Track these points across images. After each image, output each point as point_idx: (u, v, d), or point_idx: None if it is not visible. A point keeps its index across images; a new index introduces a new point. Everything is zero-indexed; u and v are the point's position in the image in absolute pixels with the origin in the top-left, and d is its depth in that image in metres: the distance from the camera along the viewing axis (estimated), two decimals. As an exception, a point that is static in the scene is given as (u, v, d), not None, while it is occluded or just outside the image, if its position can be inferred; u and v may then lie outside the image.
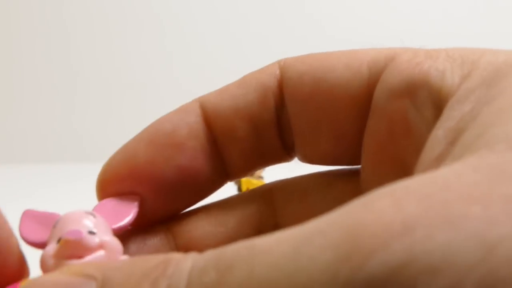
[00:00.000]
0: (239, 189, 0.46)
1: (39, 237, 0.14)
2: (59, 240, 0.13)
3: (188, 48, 1.31)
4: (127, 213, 0.15)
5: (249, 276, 0.10)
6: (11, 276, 0.15)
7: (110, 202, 0.16)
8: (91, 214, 0.14)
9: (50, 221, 0.15)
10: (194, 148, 0.17)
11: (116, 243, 0.14)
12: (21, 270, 0.15)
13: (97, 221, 0.14)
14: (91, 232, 0.13)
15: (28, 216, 0.15)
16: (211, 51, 1.31)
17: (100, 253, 0.13)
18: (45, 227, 0.15)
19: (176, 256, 0.11)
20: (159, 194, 0.16)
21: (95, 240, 0.13)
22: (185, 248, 0.17)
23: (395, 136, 0.15)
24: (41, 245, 0.14)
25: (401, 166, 0.15)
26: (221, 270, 0.10)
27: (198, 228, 0.18)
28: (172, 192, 0.17)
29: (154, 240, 0.17)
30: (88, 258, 0.13)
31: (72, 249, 0.13)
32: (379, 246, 0.09)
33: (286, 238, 0.10)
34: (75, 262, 0.13)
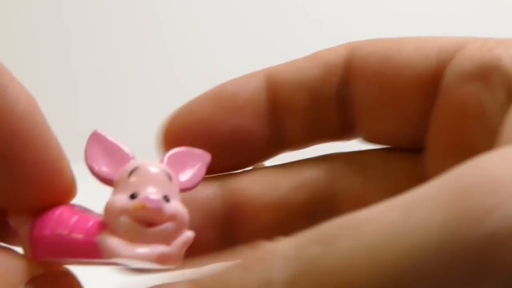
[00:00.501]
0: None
1: (107, 172, 0.14)
2: (132, 195, 0.13)
3: (189, 48, 1.31)
4: (198, 171, 0.15)
5: (357, 244, 0.10)
6: (59, 196, 0.15)
7: (180, 154, 0.15)
8: (169, 175, 0.14)
9: (120, 155, 0.14)
10: (253, 112, 0.17)
11: (185, 214, 0.14)
12: (70, 191, 0.15)
13: (172, 185, 0.14)
14: (166, 198, 0.13)
15: (96, 140, 0.14)
16: (212, 51, 1.30)
17: (169, 225, 0.13)
18: (113, 160, 0.14)
19: (266, 247, 0.11)
20: (216, 151, 0.16)
21: (169, 210, 0.13)
22: (234, 206, 0.17)
23: (466, 118, 0.15)
24: (107, 181, 0.14)
25: (470, 147, 0.15)
26: (325, 242, 0.10)
27: (252, 187, 0.18)
28: (228, 151, 0.17)
29: (205, 193, 0.17)
30: (159, 228, 0.13)
31: (146, 214, 0.13)
32: (497, 202, 0.09)
33: (391, 207, 0.10)
34: (148, 231, 0.13)
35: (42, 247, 0.14)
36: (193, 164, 0.15)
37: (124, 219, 0.13)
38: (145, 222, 0.13)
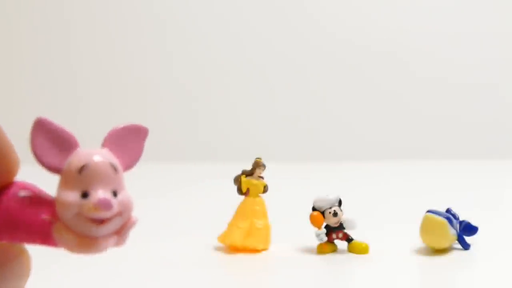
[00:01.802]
0: (239, 189, 0.46)
1: (55, 161, 0.14)
2: (84, 194, 0.14)
3: (189, 49, 1.31)
4: (138, 148, 0.16)
5: None
6: (7, 175, 0.15)
7: (119, 132, 0.16)
8: (114, 167, 0.15)
9: (67, 143, 0.15)
10: None
11: (131, 204, 0.15)
12: (16, 170, 0.15)
13: (118, 175, 0.15)
14: (114, 193, 0.14)
15: (42, 127, 0.14)
16: (212, 51, 1.31)
17: (118, 219, 0.14)
18: (60, 148, 0.14)
19: None
20: None
21: (117, 207, 0.14)
22: None
23: None
24: (55, 170, 0.15)
25: None
26: None
27: None
28: None
29: None
30: (109, 225, 0.14)
31: (98, 215, 0.14)
32: None
33: None
34: (100, 229, 0.14)
35: None
36: (132, 140, 0.16)
37: (78, 219, 0.14)
38: (96, 220, 0.14)
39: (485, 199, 0.74)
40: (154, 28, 1.31)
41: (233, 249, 0.45)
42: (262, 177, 0.46)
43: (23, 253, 0.16)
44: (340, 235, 0.45)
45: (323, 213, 0.44)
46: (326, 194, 0.45)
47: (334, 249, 0.45)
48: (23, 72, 1.30)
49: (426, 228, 0.44)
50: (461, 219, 0.47)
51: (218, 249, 0.46)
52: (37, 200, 0.15)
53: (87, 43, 1.31)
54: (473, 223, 0.47)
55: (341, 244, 0.45)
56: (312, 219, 0.44)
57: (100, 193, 0.14)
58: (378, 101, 1.30)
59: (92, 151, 0.15)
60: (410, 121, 1.30)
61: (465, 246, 0.45)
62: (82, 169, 0.14)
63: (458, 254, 0.44)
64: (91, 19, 1.31)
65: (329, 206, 0.44)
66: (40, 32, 1.30)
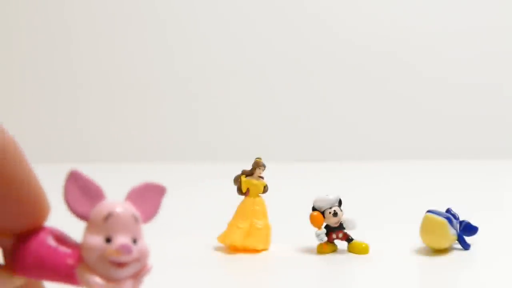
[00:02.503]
0: (239, 189, 0.46)
1: (84, 210, 0.17)
2: (107, 240, 0.16)
3: (189, 49, 1.31)
4: (156, 204, 0.19)
5: None
6: (38, 220, 0.17)
7: (140, 189, 0.18)
8: (135, 218, 0.17)
9: (94, 194, 0.17)
10: None
11: (148, 252, 0.17)
12: (46, 215, 0.17)
13: (138, 225, 0.17)
14: (134, 240, 0.17)
15: (74, 179, 0.17)
16: (212, 51, 1.31)
17: (136, 265, 0.17)
18: (89, 199, 0.17)
19: None
20: None
21: (136, 253, 0.16)
22: None
23: None
24: (83, 218, 0.17)
25: None
26: None
27: None
28: None
29: None
30: (128, 269, 0.16)
31: (119, 259, 0.16)
32: None
33: None
34: (120, 272, 0.16)
35: (25, 268, 0.17)
36: (151, 197, 0.18)
37: (100, 261, 0.16)
38: (117, 264, 0.16)
39: (485, 199, 0.74)
40: (155, 28, 1.31)
41: (233, 249, 0.45)
42: (262, 177, 0.46)
43: None
44: (340, 235, 0.45)
45: (323, 213, 0.44)
46: (326, 194, 0.45)
47: (334, 249, 0.45)
48: (24, 72, 1.30)
49: (426, 228, 0.44)
50: (461, 219, 0.47)
51: (218, 249, 0.46)
52: (63, 244, 0.17)
53: (88, 43, 1.31)
54: (473, 223, 0.47)
55: (341, 244, 0.45)
56: (312, 219, 0.44)
57: (122, 239, 0.16)
58: (378, 101, 1.30)
59: (117, 202, 0.17)
60: (410, 121, 1.30)
61: (465, 246, 0.45)
62: (107, 217, 0.17)
63: (458, 254, 0.44)
64: (92, 20, 1.31)
65: (329, 206, 0.44)
66: (41, 33, 1.30)
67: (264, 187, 0.46)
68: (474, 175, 1.00)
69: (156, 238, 0.51)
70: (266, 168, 0.46)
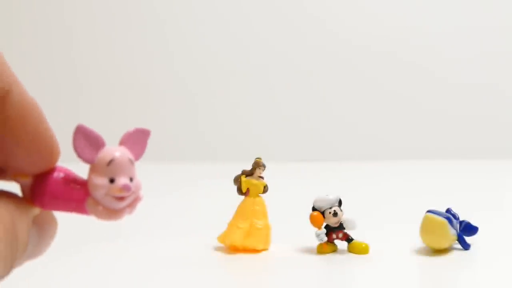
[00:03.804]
0: (239, 189, 0.46)
1: (89, 156, 0.21)
2: (111, 180, 0.21)
3: (189, 49, 1.31)
4: (143, 146, 0.23)
5: None
6: (51, 160, 0.21)
7: (132, 134, 0.23)
8: (131, 161, 0.22)
9: (98, 143, 0.21)
10: None
11: (140, 185, 0.22)
12: (57, 156, 0.22)
13: (133, 166, 0.22)
14: (131, 179, 0.21)
15: (80, 132, 0.21)
16: (212, 51, 1.31)
17: (132, 196, 0.21)
18: (93, 147, 0.21)
19: None
20: None
21: (133, 188, 0.21)
22: None
23: None
24: (89, 162, 0.21)
25: None
26: None
27: None
28: None
29: None
30: (127, 201, 0.21)
31: (121, 194, 0.21)
32: None
33: None
34: (121, 203, 0.21)
35: (44, 201, 0.21)
36: (139, 139, 0.23)
37: (106, 196, 0.21)
38: (119, 198, 0.21)
39: (485, 199, 0.74)
40: (155, 29, 1.32)
41: (233, 249, 0.45)
42: (262, 177, 0.46)
43: (55, 220, 0.22)
44: (340, 235, 0.45)
45: (323, 213, 0.44)
46: (326, 194, 0.45)
47: (334, 249, 0.45)
48: (24, 72, 1.30)
49: (426, 228, 0.44)
50: (461, 219, 0.47)
51: (218, 249, 0.46)
52: (73, 180, 0.22)
53: (88, 44, 1.31)
54: (473, 223, 0.47)
55: (341, 244, 0.45)
56: (312, 219, 0.44)
57: (123, 180, 0.21)
58: (378, 101, 1.30)
59: (116, 149, 0.22)
60: (410, 121, 1.30)
61: (465, 246, 0.45)
62: (110, 162, 0.21)
63: (458, 254, 0.44)
64: (93, 20, 1.32)
65: (329, 206, 0.44)
66: (42, 33, 1.30)
67: (264, 187, 0.46)
68: (474, 175, 1.00)
69: (156, 238, 0.51)
70: (266, 168, 0.46)
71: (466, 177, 0.98)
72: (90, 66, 1.31)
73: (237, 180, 0.46)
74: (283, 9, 1.31)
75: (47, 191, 0.21)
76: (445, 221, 0.43)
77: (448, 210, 0.46)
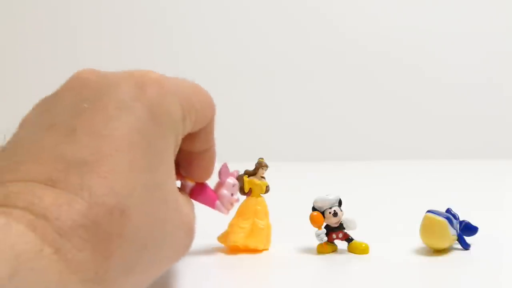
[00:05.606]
0: (242, 189, 0.46)
1: (224, 179, 0.41)
2: (231, 194, 0.41)
3: (190, 49, 1.31)
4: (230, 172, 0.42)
5: None
6: (205, 179, 0.38)
7: (225, 166, 0.42)
8: (236, 183, 0.42)
9: (228, 173, 0.42)
10: None
11: (237, 187, 0.43)
12: (209, 178, 0.38)
13: (235, 183, 0.42)
14: (234, 185, 0.42)
15: (225, 166, 0.42)
16: (213, 51, 1.31)
17: (235, 196, 0.42)
18: (226, 175, 0.42)
19: None
20: None
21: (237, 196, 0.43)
22: None
23: None
24: (222, 181, 0.42)
25: None
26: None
27: None
28: None
29: None
30: (234, 197, 0.42)
31: (234, 202, 0.42)
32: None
33: None
34: (231, 207, 0.42)
35: (196, 197, 0.38)
36: (227, 169, 0.42)
37: (228, 202, 0.41)
38: (232, 204, 0.42)
39: (485, 199, 0.74)
40: (156, 29, 1.32)
41: (234, 249, 0.45)
42: (264, 177, 0.46)
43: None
44: (340, 235, 0.45)
45: (323, 213, 0.44)
46: (326, 194, 0.45)
47: (334, 249, 0.45)
48: (24, 72, 1.30)
49: (426, 228, 0.44)
50: (461, 219, 0.47)
51: (218, 249, 0.46)
52: (211, 190, 0.40)
53: (89, 44, 1.31)
54: (473, 223, 0.47)
55: (341, 244, 0.45)
56: (312, 219, 0.44)
57: (236, 196, 0.43)
58: (378, 101, 1.30)
59: (231, 173, 0.43)
60: (410, 121, 1.30)
61: (465, 246, 0.45)
62: (233, 185, 0.42)
63: (458, 254, 0.44)
64: (93, 20, 1.32)
65: (329, 206, 0.44)
66: (43, 34, 1.30)
67: (266, 187, 0.46)
68: (474, 175, 1.00)
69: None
70: (268, 168, 0.46)
71: (466, 177, 0.98)
72: (91, 65, 1.31)
73: (239, 180, 0.46)
74: (283, 9, 1.31)
75: (201, 193, 0.39)
76: (445, 221, 0.43)
77: (448, 210, 0.46)
